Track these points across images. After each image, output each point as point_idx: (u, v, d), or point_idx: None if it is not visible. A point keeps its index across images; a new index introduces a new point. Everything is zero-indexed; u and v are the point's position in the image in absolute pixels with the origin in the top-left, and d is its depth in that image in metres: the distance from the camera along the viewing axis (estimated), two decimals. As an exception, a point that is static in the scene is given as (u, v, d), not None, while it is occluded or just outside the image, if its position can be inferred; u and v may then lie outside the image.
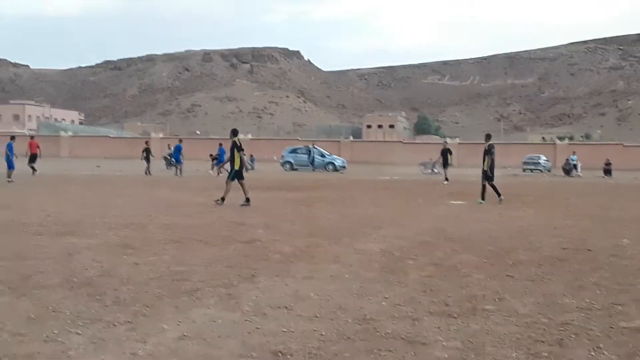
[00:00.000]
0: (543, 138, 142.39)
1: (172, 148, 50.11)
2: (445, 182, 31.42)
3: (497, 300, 6.88)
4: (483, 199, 20.09)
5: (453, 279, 7.98)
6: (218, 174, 34.82)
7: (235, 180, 18.18)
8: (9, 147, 28.70)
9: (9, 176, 26.91)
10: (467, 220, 14.99)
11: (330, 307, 6.42)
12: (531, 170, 58.76)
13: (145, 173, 37.25)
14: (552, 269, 8.75)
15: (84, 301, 6.48)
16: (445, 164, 33.89)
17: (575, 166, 52.31)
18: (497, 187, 20.33)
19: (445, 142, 39.60)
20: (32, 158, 33.17)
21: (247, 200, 17.91)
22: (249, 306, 6.41)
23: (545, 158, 62.95)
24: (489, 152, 20.36)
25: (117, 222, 13.17)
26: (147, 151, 39.57)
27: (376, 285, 7.52)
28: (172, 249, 9.88)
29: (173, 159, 43.63)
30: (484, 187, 20.37)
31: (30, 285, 7.14)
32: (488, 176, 20.33)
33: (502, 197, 19.98)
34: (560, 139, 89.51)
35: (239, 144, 18.40)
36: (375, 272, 8.29)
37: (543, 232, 12.77)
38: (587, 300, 6.90)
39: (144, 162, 38.99)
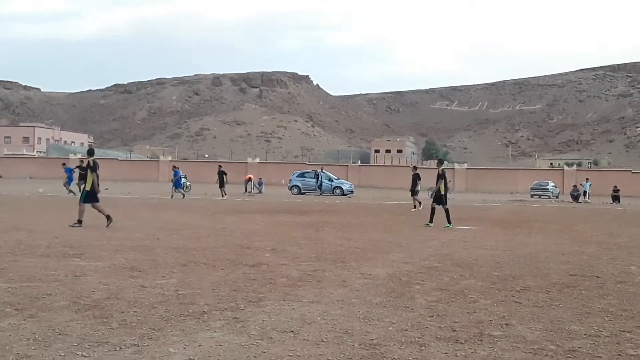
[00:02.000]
0: (551, 164, 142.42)
1: (181, 172, 50.52)
2: (413, 210, 29.71)
3: (504, 326, 6.85)
4: (431, 222, 20.43)
5: (460, 304, 7.96)
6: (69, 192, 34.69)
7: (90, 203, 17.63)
8: None
9: None
10: (474, 245, 14.95)
11: (337, 332, 6.41)
12: (539, 196, 58.68)
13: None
14: (559, 295, 8.71)
15: (90, 324, 6.48)
16: (414, 190, 31.47)
17: (585, 192, 52.25)
18: (450, 213, 20.54)
19: (414, 166, 37.43)
20: None
21: (108, 217, 17.40)
22: (256, 330, 6.40)
23: (553, 184, 62.88)
24: (442, 176, 20.76)
25: (124, 245, 13.20)
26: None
27: (383, 310, 7.50)
28: (179, 272, 9.89)
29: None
30: (433, 209, 20.79)
31: (37, 307, 7.15)
32: (441, 200, 20.60)
33: (451, 224, 20.03)
34: (569, 165, 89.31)
35: (92, 165, 17.76)
36: (382, 297, 8.27)
37: (551, 259, 12.73)
38: (595, 327, 6.87)
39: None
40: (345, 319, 6.98)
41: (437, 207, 20.77)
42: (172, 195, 38.09)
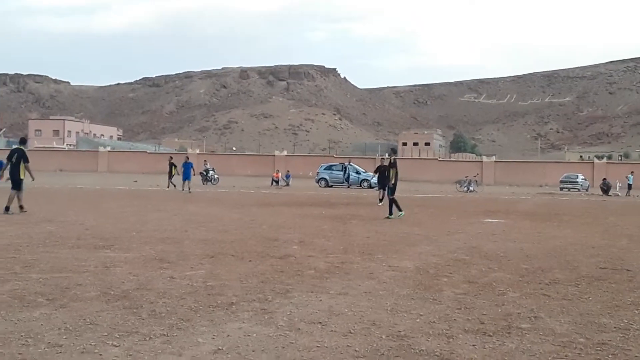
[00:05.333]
0: (581, 157, 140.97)
1: (209, 164, 50.69)
2: (380, 204, 26.58)
3: (533, 319, 6.81)
4: (393, 212, 19.98)
5: (488, 296, 7.92)
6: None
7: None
8: None
9: None
10: (503, 238, 14.87)
11: (364, 323, 6.41)
12: (568, 189, 58.08)
13: None
14: (589, 288, 8.64)
15: (120, 314, 6.55)
16: (381, 183, 26.91)
17: (629, 185, 51.64)
18: (398, 203, 20.18)
19: (382, 158, 32.50)
20: None
21: (7, 209, 18.16)
22: (284, 321, 6.42)
23: (583, 177, 62.18)
24: (394, 165, 20.45)
25: (153, 237, 13.31)
26: None
27: (410, 302, 7.49)
28: (208, 263, 9.94)
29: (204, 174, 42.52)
30: (393, 200, 20.25)
31: (68, 298, 7.24)
32: (392, 190, 20.23)
33: (391, 215, 19.76)
34: (599, 158, 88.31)
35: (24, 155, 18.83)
36: (409, 289, 8.25)
37: (580, 252, 12.63)
38: (625, 321, 6.81)
39: None
40: (373, 310, 6.98)
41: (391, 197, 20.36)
42: (189, 189, 35.81)
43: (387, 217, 19.67)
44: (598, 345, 5.88)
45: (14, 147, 19.33)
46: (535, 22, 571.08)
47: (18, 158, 18.65)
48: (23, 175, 18.64)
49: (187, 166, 36.85)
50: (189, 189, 35.68)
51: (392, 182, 20.26)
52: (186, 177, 36.47)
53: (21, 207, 18.35)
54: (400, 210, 20.00)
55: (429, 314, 6.87)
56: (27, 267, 9.16)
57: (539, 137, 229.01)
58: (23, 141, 20.01)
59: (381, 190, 27.74)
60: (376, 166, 29.28)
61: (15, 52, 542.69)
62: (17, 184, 18.51)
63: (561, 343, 5.91)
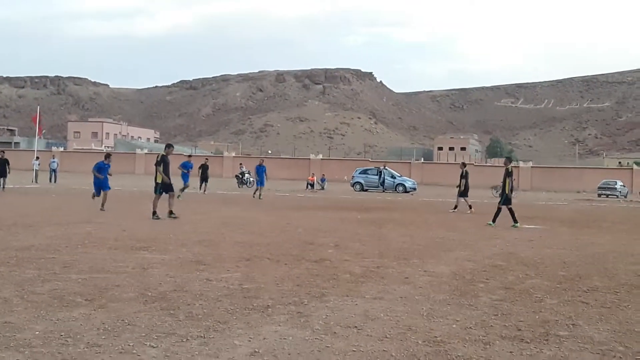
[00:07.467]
0: (619, 163, 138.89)
1: (244, 167, 50.85)
2: (468, 212, 26.58)
3: (570, 326, 6.74)
4: (494, 221, 19.76)
5: (525, 303, 7.85)
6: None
7: (163, 193, 18.85)
8: None
9: None
10: (540, 244, 14.72)
11: (400, 328, 6.40)
12: (607, 195, 57.34)
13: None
14: (628, 296, 8.52)
15: (157, 315, 6.61)
16: (466, 190, 28.16)
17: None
18: (515, 213, 19.90)
19: (463, 163, 32.23)
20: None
21: (170, 213, 18.54)
22: (319, 325, 6.43)
23: (621, 184, 61.31)
24: (510, 175, 20.21)
25: (189, 239, 13.40)
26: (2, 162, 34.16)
27: (446, 307, 7.46)
28: (244, 266, 9.99)
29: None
30: (499, 210, 20.12)
31: (107, 298, 7.32)
32: (507, 199, 20.05)
33: (517, 223, 19.46)
34: (638, 164, 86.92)
35: (158, 160, 18.95)
36: (445, 294, 8.22)
37: (619, 259, 12.45)
38: (666, 330, 6.70)
39: None
40: (409, 315, 6.96)
41: (502, 207, 20.28)
42: (260, 195, 32.88)
43: (513, 226, 19.25)
44: (637, 354, 5.80)
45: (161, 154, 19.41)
46: (573, 26, 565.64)
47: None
48: (159, 179, 18.77)
49: (261, 170, 34.14)
50: (260, 195, 32.79)
51: (507, 191, 20.06)
52: (260, 182, 33.76)
53: (170, 212, 18.63)
54: (515, 221, 19.60)
55: (465, 320, 6.84)
56: (67, 268, 9.29)
57: (577, 142, 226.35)
58: (167, 146, 19.96)
59: (459, 198, 28.13)
60: (462, 172, 28.61)
61: (56, 55, 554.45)
62: (156, 188, 18.86)
63: (600, 351, 5.84)
